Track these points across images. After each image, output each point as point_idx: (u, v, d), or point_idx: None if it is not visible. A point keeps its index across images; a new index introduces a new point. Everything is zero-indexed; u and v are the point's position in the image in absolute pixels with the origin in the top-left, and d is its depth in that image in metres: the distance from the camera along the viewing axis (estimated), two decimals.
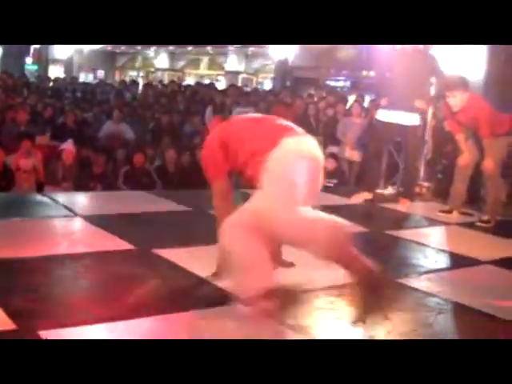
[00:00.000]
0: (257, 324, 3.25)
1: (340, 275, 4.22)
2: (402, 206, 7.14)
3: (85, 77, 26.16)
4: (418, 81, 6.97)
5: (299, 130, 3.62)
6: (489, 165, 6.38)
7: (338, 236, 3.19)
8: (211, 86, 17.19)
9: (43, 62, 26.97)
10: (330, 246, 3.16)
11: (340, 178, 9.61)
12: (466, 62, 9.26)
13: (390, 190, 8.21)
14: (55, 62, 27.45)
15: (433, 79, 7.25)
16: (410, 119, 7.01)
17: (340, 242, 3.20)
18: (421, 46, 7.02)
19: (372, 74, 16.24)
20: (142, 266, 4.08)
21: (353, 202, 7.14)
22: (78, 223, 5.09)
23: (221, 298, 3.53)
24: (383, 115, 7.18)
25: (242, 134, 3.64)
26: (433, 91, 7.70)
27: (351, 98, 13.60)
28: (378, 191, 7.72)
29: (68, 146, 8.83)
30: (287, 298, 3.30)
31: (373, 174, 7.46)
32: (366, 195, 7.23)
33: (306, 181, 3.37)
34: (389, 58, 7.26)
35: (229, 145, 3.62)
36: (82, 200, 6.53)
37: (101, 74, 27.77)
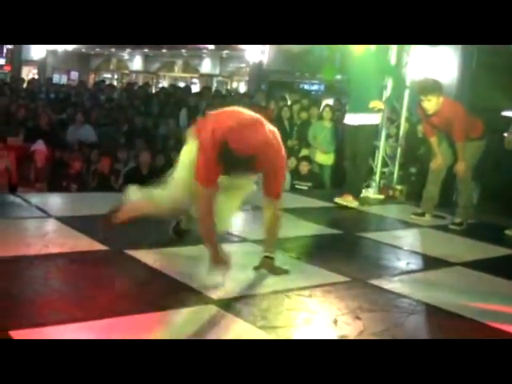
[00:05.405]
0: (229, 325, 3.26)
1: (311, 276, 4.26)
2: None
3: (59, 78, 25.94)
4: (371, 82, 7.11)
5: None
6: (461, 168, 6.43)
7: None
8: (186, 89, 17.15)
9: (16, 62, 26.78)
10: None
11: (314, 181, 9.63)
12: (440, 66, 9.36)
13: (372, 193, 8.18)
14: (28, 63, 27.26)
15: (386, 80, 7.38)
16: (370, 119, 7.14)
17: None
18: (371, 48, 7.11)
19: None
20: (114, 266, 4.07)
21: (338, 202, 7.15)
22: (50, 224, 5.05)
23: (194, 299, 3.54)
24: (349, 119, 7.32)
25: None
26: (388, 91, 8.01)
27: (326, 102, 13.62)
28: (362, 195, 7.70)
29: (38, 146, 8.77)
30: None
31: (352, 179, 7.42)
32: (351, 201, 7.19)
33: None
34: (350, 62, 7.34)
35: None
36: (55, 201, 6.48)
37: (75, 75, 27.55)
